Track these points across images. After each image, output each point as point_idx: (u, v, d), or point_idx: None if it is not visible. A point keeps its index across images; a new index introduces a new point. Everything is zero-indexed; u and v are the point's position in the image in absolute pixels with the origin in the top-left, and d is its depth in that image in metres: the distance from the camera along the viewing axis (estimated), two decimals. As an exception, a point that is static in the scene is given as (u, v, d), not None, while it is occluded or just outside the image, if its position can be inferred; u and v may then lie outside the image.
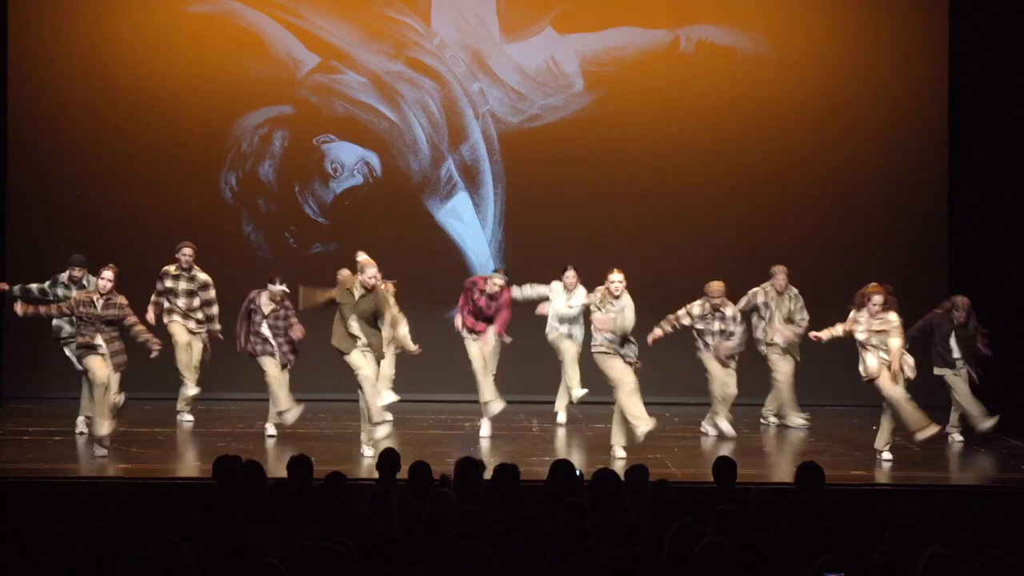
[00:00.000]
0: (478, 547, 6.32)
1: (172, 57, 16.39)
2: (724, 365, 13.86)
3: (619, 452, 12.66)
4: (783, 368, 14.58)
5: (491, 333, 13.82)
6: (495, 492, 8.51)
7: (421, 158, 16.65)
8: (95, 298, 12.52)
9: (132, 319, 12.67)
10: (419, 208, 16.61)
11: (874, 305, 12.65)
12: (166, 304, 14.30)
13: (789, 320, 14.54)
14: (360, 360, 12.57)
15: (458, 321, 14.02)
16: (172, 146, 16.31)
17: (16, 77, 16.33)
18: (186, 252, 14.26)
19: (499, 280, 13.88)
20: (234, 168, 16.54)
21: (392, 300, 13.79)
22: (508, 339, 14.17)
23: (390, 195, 16.58)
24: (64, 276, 13.62)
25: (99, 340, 12.48)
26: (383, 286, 13.10)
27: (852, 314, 12.78)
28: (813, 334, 13.15)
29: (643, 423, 12.53)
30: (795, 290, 14.61)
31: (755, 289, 14.59)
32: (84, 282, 13.47)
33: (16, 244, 16.25)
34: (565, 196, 16.45)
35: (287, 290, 13.54)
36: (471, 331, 13.93)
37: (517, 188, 16.61)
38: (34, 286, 13.69)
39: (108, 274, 12.57)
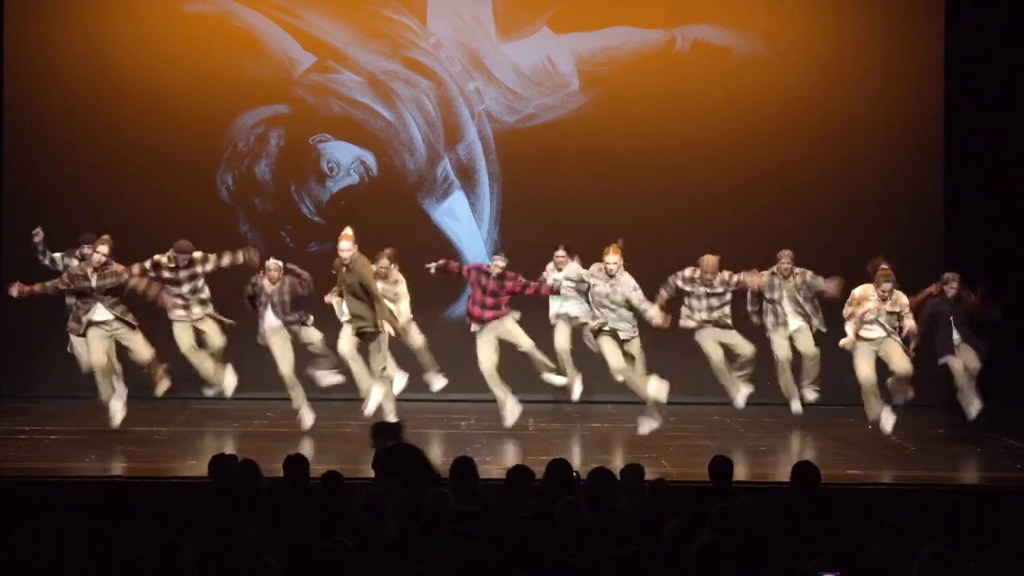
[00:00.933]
0: (477, 547, 6.33)
1: (168, 56, 16.39)
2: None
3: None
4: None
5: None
6: (509, 493, 8.52)
7: (417, 157, 16.66)
8: (88, 271, 12.70)
9: (133, 281, 12.89)
10: (415, 207, 16.62)
11: (883, 291, 12.85)
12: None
13: (796, 303, 14.63)
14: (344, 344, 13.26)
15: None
16: (168, 145, 16.31)
17: (12, 76, 16.34)
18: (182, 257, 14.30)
19: (500, 262, 13.96)
20: (230, 167, 16.55)
21: (390, 275, 14.15)
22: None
23: (386, 194, 16.58)
24: (75, 260, 13.95)
25: (99, 311, 12.64)
26: (368, 261, 13.42)
27: (858, 292, 12.97)
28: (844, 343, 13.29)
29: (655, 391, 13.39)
30: (804, 276, 14.61)
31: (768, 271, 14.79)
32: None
33: (12, 244, 16.23)
34: (561, 195, 16.45)
35: (280, 264, 13.76)
36: (479, 321, 13.95)
37: (513, 187, 16.62)
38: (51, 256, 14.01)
39: (103, 248, 12.76)
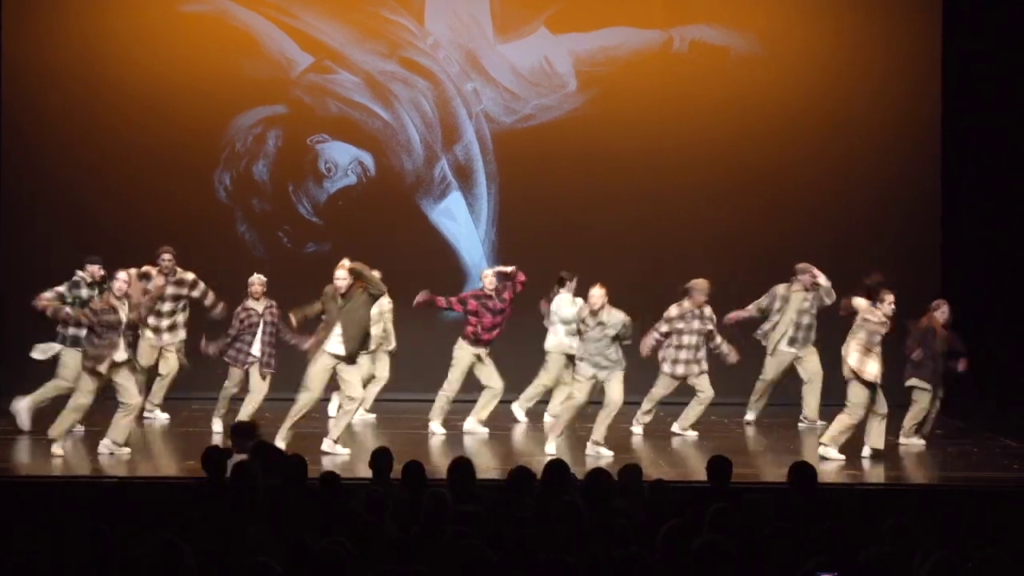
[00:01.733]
0: (477, 547, 6.34)
1: (166, 57, 16.40)
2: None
3: (604, 452, 12.73)
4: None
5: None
6: (508, 494, 8.53)
7: (415, 158, 16.66)
8: (115, 304, 12.36)
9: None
10: (413, 208, 16.62)
11: (891, 305, 12.66)
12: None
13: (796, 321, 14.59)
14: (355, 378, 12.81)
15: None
16: (166, 146, 16.31)
17: (10, 76, 16.33)
18: (165, 257, 14.20)
19: (489, 272, 13.98)
20: (228, 168, 16.55)
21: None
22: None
23: (384, 195, 16.59)
24: (84, 276, 13.42)
25: (121, 347, 12.36)
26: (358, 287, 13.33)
27: (866, 317, 12.74)
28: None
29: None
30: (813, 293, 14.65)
31: (780, 286, 14.67)
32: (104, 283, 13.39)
33: (10, 244, 16.23)
34: (558, 196, 16.46)
35: (264, 279, 13.66)
36: (487, 344, 13.99)
37: (510, 188, 16.63)
38: (49, 294, 13.45)
39: (123, 275, 12.44)
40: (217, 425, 13.80)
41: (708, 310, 13.85)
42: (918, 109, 16.48)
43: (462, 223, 16.69)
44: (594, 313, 12.70)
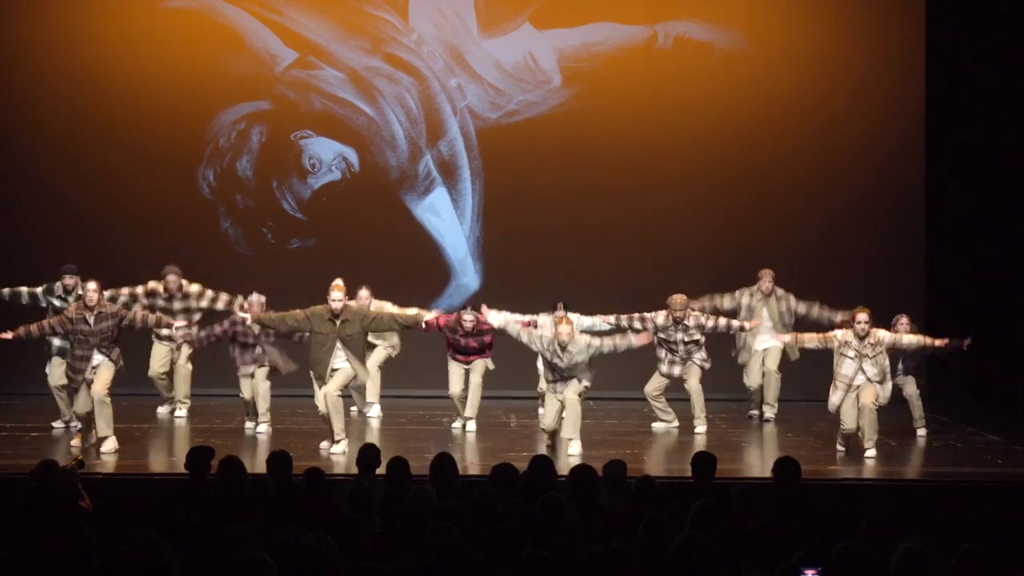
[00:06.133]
0: (456, 542, 6.34)
1: (150, 53, 16.37)
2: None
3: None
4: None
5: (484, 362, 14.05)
6: (492, 490, 8.52)
7: (399, 154, 16.65)
8: (87, 315, 12.32)
9: (129, 315, 12.65)
10: (397, 204, 16.61)
11: (859, 323, 12.53)
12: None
13: (782, 323, 14.56)
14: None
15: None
16: (150, 141, 16.29)
17: (-8, 72, 16.33)
18: (171, 279, 14.17)
19: (468, 316, 13.85)
20: (212, 164, 16.52)
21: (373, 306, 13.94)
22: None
23: (368, 191, 16.58)
24: (57, 285, 13.59)
25: (96, 358, 12.32)
26: (357, 304, 13.25)
27: (839, 333, 12.71)
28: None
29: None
30: (781, 291, 14.63)
31: (742, 290, 14.65)
32: (79, 291, 13.21)
33: (-7, 240, 16.23)
34: (543, 191, 16.46)
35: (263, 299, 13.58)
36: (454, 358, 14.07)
37: (495, 183, 16.62)
38: (24, 290, 13.66)
39: (92, 285, 12.33)
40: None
41: (693, 321, 13.79)
42: (902, 105, 16.48)
43: (447, 219, 16.68)
44: (563, 348, 12.51)
